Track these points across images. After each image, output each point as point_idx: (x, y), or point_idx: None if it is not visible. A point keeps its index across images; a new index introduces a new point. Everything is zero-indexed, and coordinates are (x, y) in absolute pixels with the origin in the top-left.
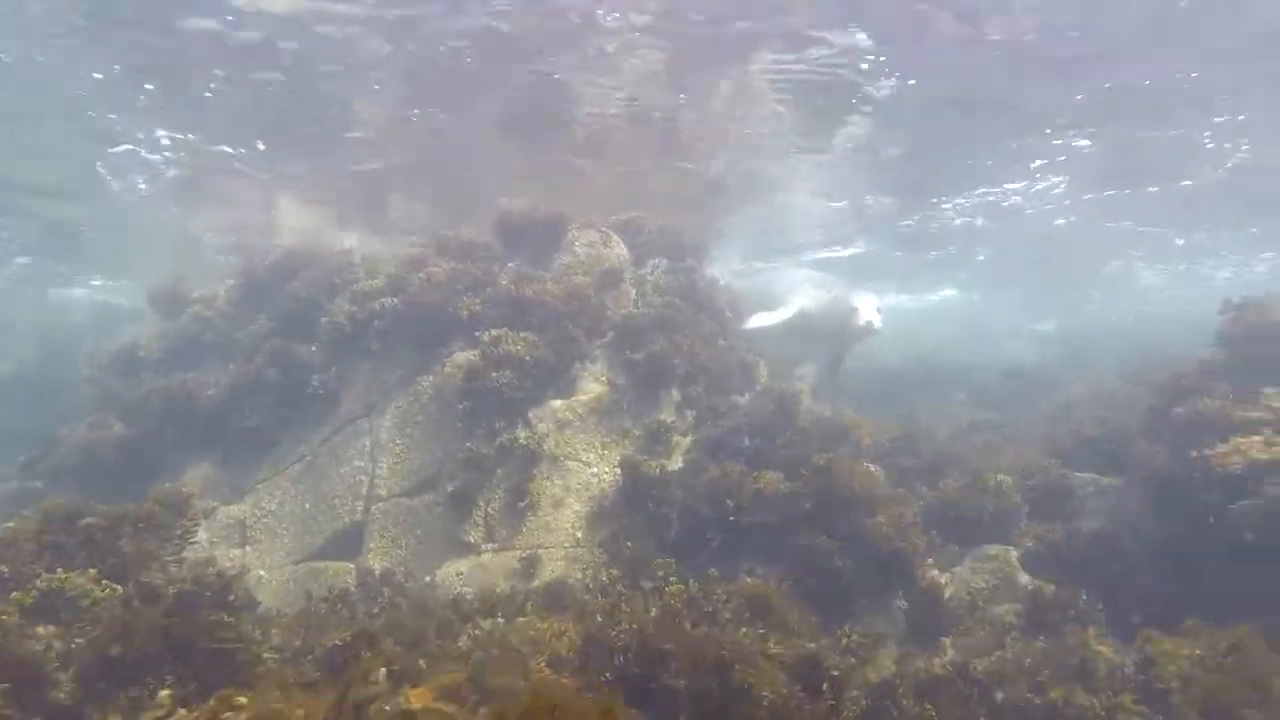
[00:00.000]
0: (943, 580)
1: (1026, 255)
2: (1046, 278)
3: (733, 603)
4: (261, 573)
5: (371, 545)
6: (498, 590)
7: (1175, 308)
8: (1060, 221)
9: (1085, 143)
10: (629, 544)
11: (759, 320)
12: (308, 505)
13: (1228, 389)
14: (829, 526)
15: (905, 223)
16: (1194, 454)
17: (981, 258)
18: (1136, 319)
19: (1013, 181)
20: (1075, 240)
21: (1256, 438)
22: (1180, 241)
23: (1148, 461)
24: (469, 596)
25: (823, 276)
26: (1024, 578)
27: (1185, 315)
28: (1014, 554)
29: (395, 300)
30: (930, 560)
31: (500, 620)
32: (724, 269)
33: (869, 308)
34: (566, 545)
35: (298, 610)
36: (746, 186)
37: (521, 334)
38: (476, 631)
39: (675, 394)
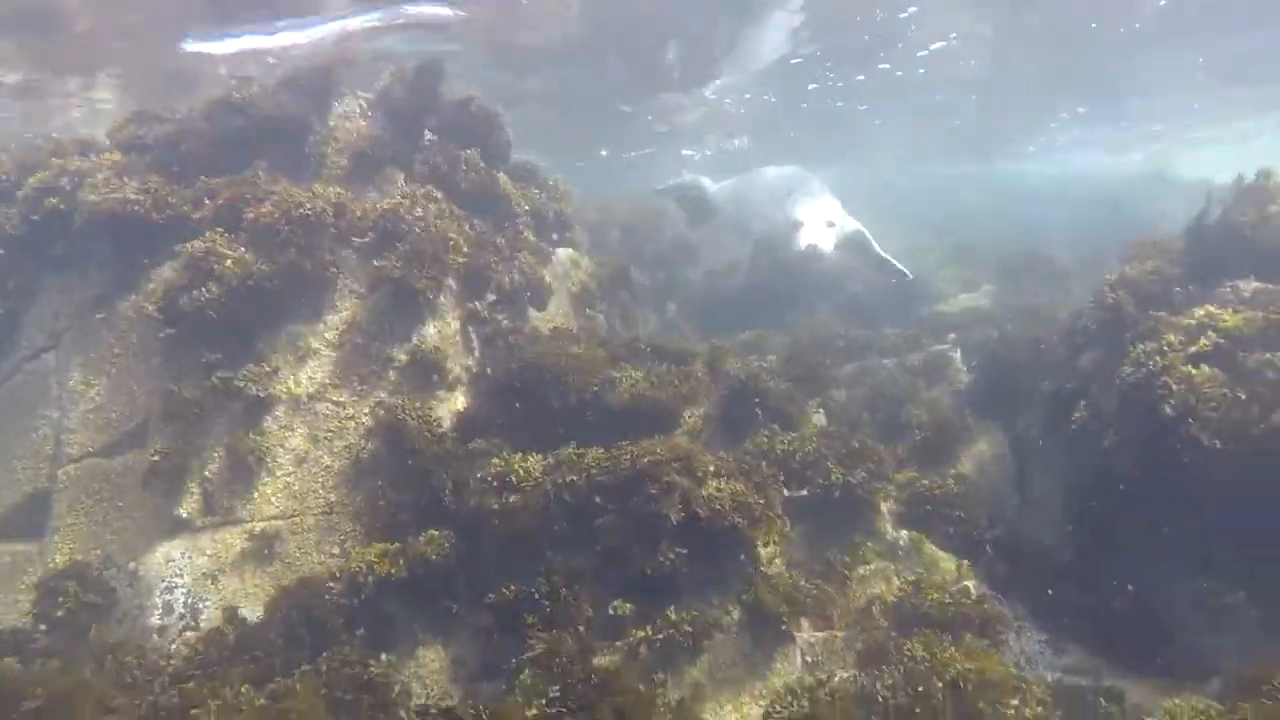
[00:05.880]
0: None
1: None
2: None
3: None
4: None
5: (58, 522)
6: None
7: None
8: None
9: None
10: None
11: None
12: None
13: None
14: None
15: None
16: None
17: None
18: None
19: None
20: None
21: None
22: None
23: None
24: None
25: (789, 176)
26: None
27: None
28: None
29: (90, 195)
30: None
31: None
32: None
33: (815, 222)
34: (317, 512)
35: None
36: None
37: (240, 248)
38: None
39: (454, 309)
